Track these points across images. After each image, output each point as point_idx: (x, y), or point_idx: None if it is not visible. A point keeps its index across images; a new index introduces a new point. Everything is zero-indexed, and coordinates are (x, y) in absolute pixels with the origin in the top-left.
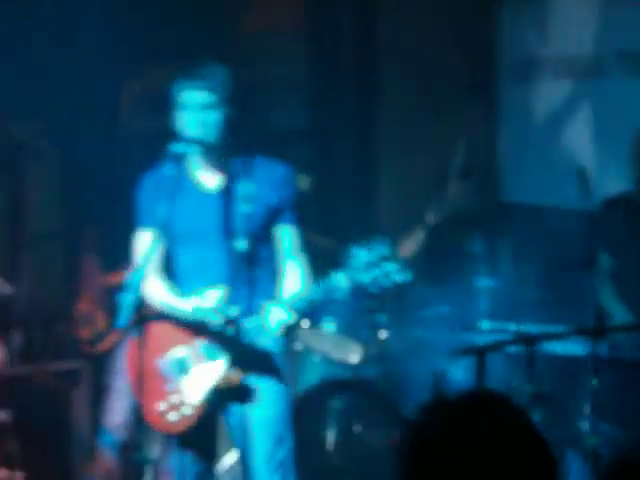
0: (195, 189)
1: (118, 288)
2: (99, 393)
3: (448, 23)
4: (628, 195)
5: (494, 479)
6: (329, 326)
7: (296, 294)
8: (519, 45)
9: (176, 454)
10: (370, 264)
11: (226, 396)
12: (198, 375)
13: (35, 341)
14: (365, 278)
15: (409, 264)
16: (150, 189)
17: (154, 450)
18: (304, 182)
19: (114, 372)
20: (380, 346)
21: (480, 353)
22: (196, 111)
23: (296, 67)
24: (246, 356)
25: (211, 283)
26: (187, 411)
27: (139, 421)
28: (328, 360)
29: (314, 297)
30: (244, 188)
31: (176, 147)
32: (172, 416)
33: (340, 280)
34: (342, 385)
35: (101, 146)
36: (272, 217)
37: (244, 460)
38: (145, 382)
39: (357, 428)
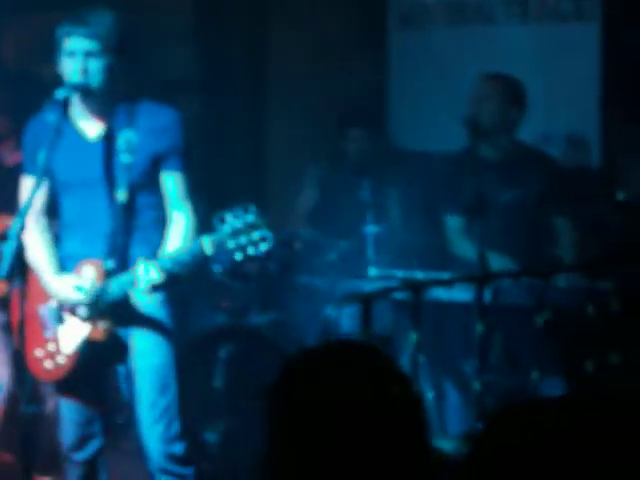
0: (77, 137)
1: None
2: None
3: None
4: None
5: (356, 420)
6: None
7: (174, 252)
8: None
9: (60, 402)
10: (237, 231)
11: (102, 348)
12: (72, 325)
13: None
14: (231, 244)
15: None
16: (33, 135)
17: (42, 400)
18: None
19: None
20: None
21: (366, 300)
22: (79, 57)
23: (185, 17)
24: (118, 309)
25: (93, 234)
26: (61, 360)
27: (26, 371)
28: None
29: (183, 259)
30: (125, 136)
31: (58, 93)
32: (48, 364)
33: (205, 244)
34: (228, 332)
35: None
36: (156, 165)
37: (132, 410)
38: (26, 329)
39: (245, 375)
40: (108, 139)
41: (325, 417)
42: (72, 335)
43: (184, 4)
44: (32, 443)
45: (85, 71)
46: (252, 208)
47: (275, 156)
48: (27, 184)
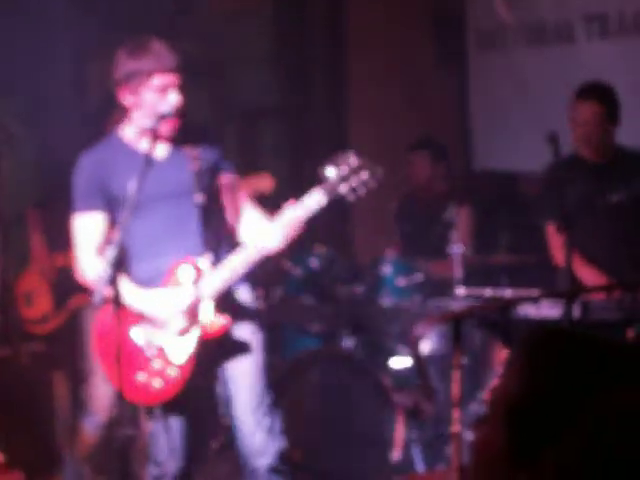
0: (142, 158)
1: (62, 269)
2: (78, 374)
3: None
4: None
5: None
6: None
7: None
8: (487, 12)
9: (162, 425)
10: (345, 176)
11: (215, 346)
12: (178, 334)
13: (11, 322)
14: (342, 189)
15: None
16: (92, 171)
17: (135, 425)
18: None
19: (89, 355)
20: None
21: (456, 319)
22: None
23: (264, 45)
24: (225, 305)
25: (183, 241)
26: (173, 373)
27: (119, 397)
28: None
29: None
30: (187, 151)
31: (146, 123)
32: (156, 383)
33: (318, 195)
34: (319, 356)
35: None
36: (215, 171)
37: (232, 410)
38: (119, 357)
39: (336, 399)
40: (173, 155)
41: None
42: (182, 343)
43: (265, 32)
44: (129, 467)
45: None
46: (350, 153)
47: None
48: (87, 221)
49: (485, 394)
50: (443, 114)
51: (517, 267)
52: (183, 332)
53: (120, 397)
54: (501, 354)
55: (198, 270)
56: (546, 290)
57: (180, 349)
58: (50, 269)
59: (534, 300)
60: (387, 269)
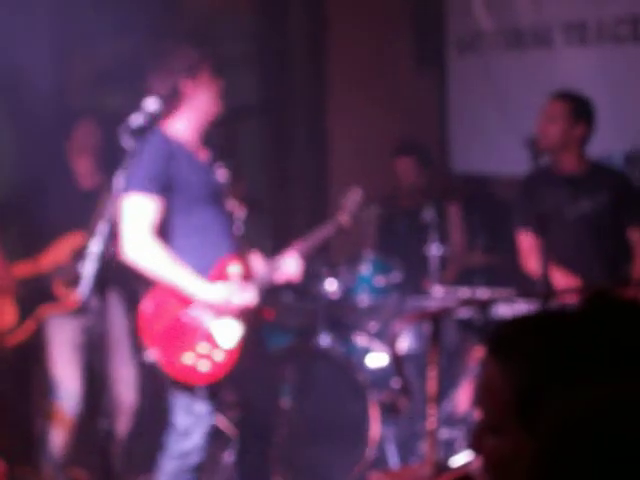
0: (196, 158)
1: (25, 280)
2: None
3: None
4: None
5: None
6: None
7: None
8: (466, 17)
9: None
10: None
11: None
12: (228, 321)
13: None
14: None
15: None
16: (166, 155)
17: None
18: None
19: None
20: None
21: (435, 318)
22: None
23: (244, 46)
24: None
25: (221, 236)
26: (219, 357)
27: (99, 389)
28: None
29: None
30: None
31: None
32: (203, 365)
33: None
34: (295, 353)
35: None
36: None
37: None
38: (165, 340)
39: (312, 395)
40: (213, 160)
41: None
42: (230, 330)
43: (246, 32)
44: (108, 459)
45: None
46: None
47: (337, 181)
48: (143, 202)
49: (459, 394)
50: (422, 117)
51: (493, 268)
52: (233, 318)
53: (102, 391)
54: (477, 353)
55: (246, 266)
56: (521, 291)
57: (228, 335)
58: (9, 282)
59: (510, 300)
60: (366, 268)
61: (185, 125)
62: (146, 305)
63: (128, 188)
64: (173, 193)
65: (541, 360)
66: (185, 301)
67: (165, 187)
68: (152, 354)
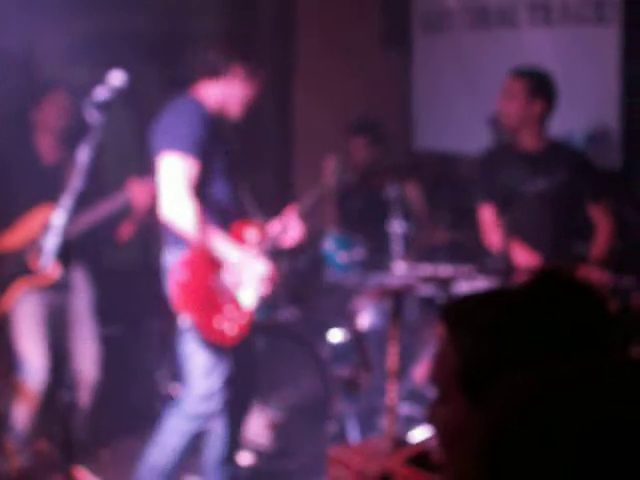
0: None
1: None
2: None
3: None
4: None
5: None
6: None
7: None
8: None
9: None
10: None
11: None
12: (250, 283)
13: None
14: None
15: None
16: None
17: (75, 392)
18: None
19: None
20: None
21: (396, 295)
22: None
23: (214, 21)
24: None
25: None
26: (241, 319)
27: (62, 363)
28: None
29: None
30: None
31: None
32: (229, 328)
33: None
34: (257, 327)
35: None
36: None
37: None
38: (195, 304)
39: (273, 369)
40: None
41: None
42: (249, 293)
43: (215, 8)
44: (71, 432)
45: None
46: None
47: (301, 159)
48: (187, 164)
49: (417, 370)
50: (388, 95)
51: (457, 245)
52: (252, 282)
53: (64, 364)
54: (438, 330)
55: (262, 230)
56: (482, 268)
57: (248, 298)
58: None
59: (471, 277)
60: (329, 244)
61: (213, 100)
62: (179, 273)
63: (167, 148)
64: (203, 159)
65: (490, 335)
66: (213, 267)
67: (202, 151)
68: (186, 319)
